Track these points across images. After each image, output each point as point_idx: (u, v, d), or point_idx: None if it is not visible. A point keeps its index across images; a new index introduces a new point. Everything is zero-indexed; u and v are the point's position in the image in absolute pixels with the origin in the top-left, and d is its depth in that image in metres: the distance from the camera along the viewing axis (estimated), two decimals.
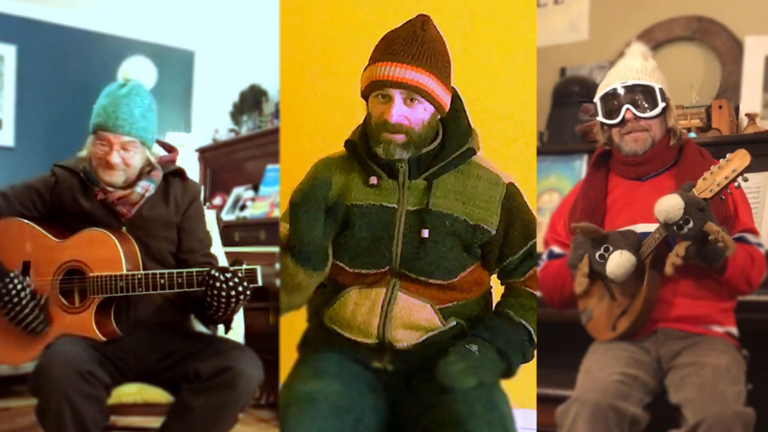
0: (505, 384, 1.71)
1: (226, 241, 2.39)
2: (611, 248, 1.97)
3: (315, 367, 1.70)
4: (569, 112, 3.06)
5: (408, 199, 1.71)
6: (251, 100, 4.56)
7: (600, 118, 2.15)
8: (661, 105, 2.06)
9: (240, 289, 1.87)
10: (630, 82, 2.08)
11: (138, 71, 2.12)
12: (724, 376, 1.85)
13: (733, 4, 3.03)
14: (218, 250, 2.39)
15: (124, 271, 1.96)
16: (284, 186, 1.84)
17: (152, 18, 4.76)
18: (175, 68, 5.04)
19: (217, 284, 1.86)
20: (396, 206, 1.71)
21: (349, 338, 1.72)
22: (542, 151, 2.91)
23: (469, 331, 1.72)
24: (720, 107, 2.77)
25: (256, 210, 3.98)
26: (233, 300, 1.87)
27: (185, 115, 5.08)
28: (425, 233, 1.68)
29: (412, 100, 1.65)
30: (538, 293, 1.80)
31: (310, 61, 2.95)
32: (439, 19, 1.73)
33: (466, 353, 1.63)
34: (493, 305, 1.85)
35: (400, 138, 1.66)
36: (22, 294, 1.97)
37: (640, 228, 2.01)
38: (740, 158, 1.82)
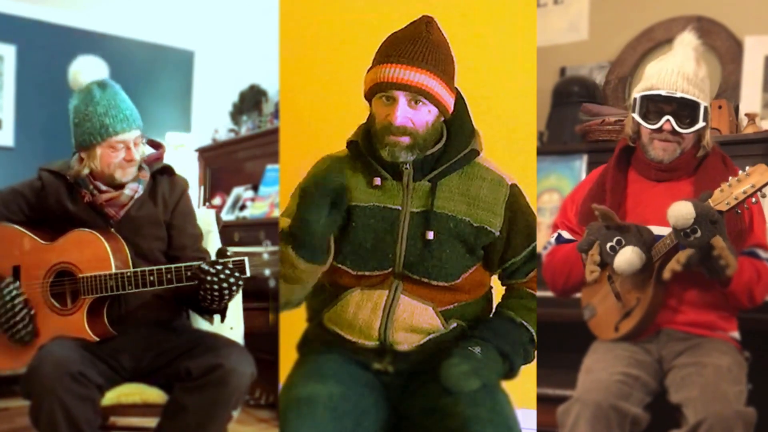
0: (506, 384, 1.71)
1: (226, 241, 2.38)
2: (624, 242, 1.93)
3: (315, 369, 1.69)
4: (569, 112, 3.05)
5: (412, 200, 1.70)
6: (251, 100, 4.56)
7: (635, 115, 2.07)
8: (702, 124, 2.01)
9: (231, 280, 1.86)
10: (678, 95, 1.99)
11: (89, 70, 2.09)
12: (726, 376, 1.85)
13: (733, 4, 3.02)
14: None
15: (114, 270, 1.96)
16: (284, 186, 1.83)
17: (152, 18, 4.76)
18: (175, 68, 5.04)
19: (209, 278, 1.85)
20: (400, 208, 1.70)
21: (350, 340, 1.71)
22: (542, 151, 2.91)
23: (471, 333, 1.72)
24: (720, 107, 2.76)
25: (255, 210, 3.98)
26: (226, 292, 1.87)
27: (185, 115, 5.08)
28: (430, 235, 1.67)
29: (416, 102, 1.65)
30: (537, 295, 1.80)
31: (310, 61, 2.95)
32: (439, 19, 1.73)
33: (469, 355, 1.63)
34: (494, 306, 1.85)
35: (405, 140, 1.65)
36: (16, 301, 1.97)
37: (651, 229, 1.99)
38: (760, 173, 1.78)
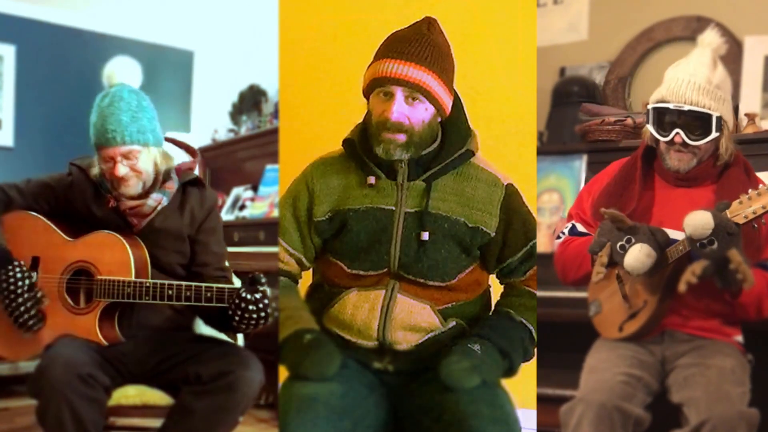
0: (506, 384, 1.71)
1: (226, 242, 2.38)
2: (634, 240, 1.91)
3: None
4: (569, 112, 3.05)
5: (406, 200, 1.71)
6: (250, 100, 4.56)
7: (650, 126, 2.04)
8: (715, 134, 1.97)
9: (269, 310, 1.80)
10: (686, 108, 1.95)
11: (122, 72, 2.06)
12: (729, 378, 1.85)
13: (732, 4, 3.02)
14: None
15: (133, 278, 1.94)
16: (283, 186, 1.84)
17: (151, 18, 4.76)
18: (174, 68, 5.03)
19: (250, 307, 1.79)
20: (394, 208, 1.71)
21: (349, 340, 1.71)
22: (542, 151, 2.91)
23: (470, 331, 1.72)
24: None
25: (255, 210, 3.98)
26: (262, 322, 1.81)
27: (184, 115, 5.08)
28: (425, 236, 1.67)
29: (413, 99, 1.65)
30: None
31: (310, 61, 2.95)
32: (439, 18, 1.73)
33: (469, 352, 1.63)
34: (492, 305, 1.85)
35: (401, 138, 1.65)
36: (20, 283, 1.95)
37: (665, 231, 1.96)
38: None
